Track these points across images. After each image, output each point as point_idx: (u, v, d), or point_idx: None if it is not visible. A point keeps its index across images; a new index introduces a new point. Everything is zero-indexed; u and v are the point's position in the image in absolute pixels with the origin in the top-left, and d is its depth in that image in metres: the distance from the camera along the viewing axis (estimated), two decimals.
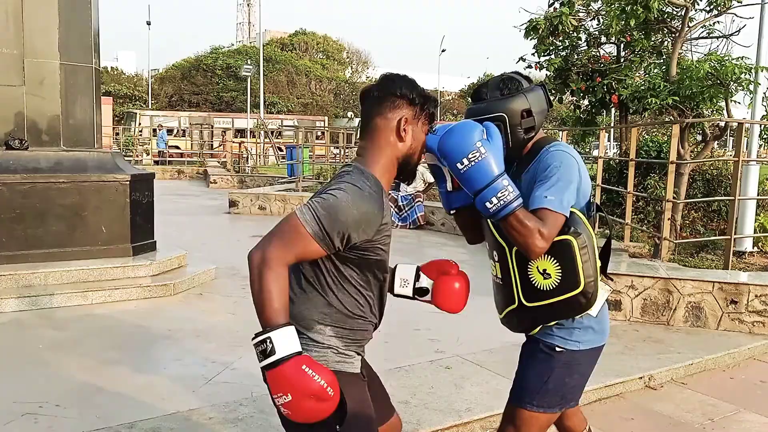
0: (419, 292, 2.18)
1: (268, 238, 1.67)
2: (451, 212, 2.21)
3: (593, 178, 8.09)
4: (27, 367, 4.02)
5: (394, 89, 1.82)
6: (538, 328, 2.10)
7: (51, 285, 5.43)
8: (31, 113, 5.89)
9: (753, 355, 4.85)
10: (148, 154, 24.34)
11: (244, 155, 20.72)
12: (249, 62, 36.21)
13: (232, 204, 12.20)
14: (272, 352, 1.57)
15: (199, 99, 45.55)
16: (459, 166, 1.86)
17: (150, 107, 39.53)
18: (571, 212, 1.95)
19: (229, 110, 42.08)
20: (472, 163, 1.84)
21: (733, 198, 5.62)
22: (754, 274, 5.49)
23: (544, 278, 1.97)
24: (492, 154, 1.85)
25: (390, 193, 10.74)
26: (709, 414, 3.81)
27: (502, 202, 1.84)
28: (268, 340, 1.58)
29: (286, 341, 1.59)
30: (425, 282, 2.19)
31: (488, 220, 2.07)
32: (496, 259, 2.11)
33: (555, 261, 1.95)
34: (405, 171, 1.88)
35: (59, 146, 5.99)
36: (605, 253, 2.13)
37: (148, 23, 46.05)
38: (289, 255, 1.66)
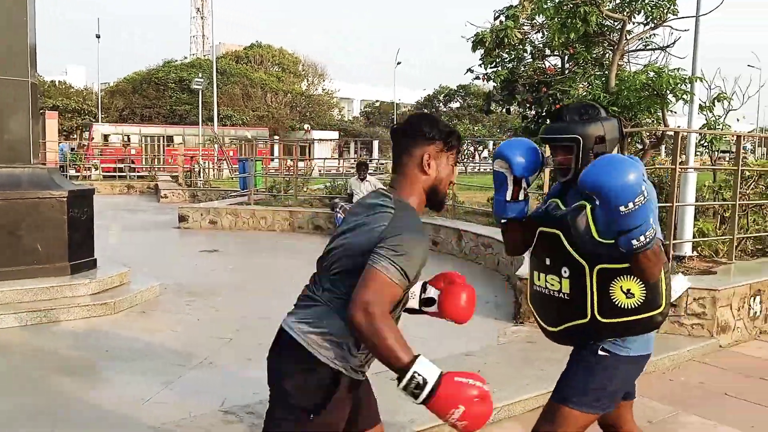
0: (426, 303, 2.21)
1: (363, 297, 1.73)
2: (503, 221, 2.35)
3: (540, 187, 8.22)
4: None
5: (418, 128, 1.98)
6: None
7: None
8: None
9: (692, 357, 4.96)
10: (96, 169, 23.72)
11: (195, 169, 20.38)
12: (201, 75, 35.79)
13: (182, 219, 11.98)
14: (425, 382, 1.67)
15: (151, 112, 44.73)
16: (622, 209, 1.90)
17: (100, 122, 38.63)
18: None
19: (183, 123, 41.49)
20: (637, 207, 1.90)
21: (671, 204, 5.78)
22: (692, 278, 5.64)
23: (627, 297, 2.10)
24: (650, 195, 1.94)
25: (343, 206, 10.74)
26: (649, 416, 3.87)
27: (647, 240, 1.94)
28: (416, 374, 1.67)
29: (428, 369, 1.69)
30: (432, 292, 2.21)
31: (561, 238, 2.15)
32: (566, 275, 2.18)
33: (640, 282, 2.09)
34: (433, 200, 2.03)
35: None
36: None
37: (98, 36, 45.03)
38: (387, 305, 1.77)
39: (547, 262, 2.25)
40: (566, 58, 8.60)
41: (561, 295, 2.21)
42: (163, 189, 18.28)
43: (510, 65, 8.57)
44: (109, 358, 4.55)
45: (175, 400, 3.77)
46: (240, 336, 5.05)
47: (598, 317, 2.13)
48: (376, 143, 39.40)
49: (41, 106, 27.02)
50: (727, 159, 15.48)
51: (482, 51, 8.43)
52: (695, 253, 6.65)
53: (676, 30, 6.99)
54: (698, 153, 10.25)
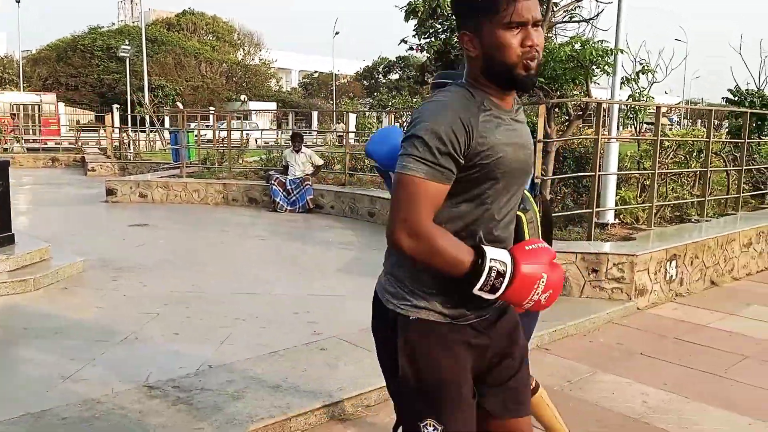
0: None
1: (393, 215, 1.61)
2: None
3: None
4: None
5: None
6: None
7: None
8: None
9: (612, 319, 5.19)
10: (18, 142, 22.56)
11: (125, 141, 19.67)
12: (128, 42, 34.30)
13: (110, 192, 11.56)
14: (504, 267, 1.54)
15: (77, 81, 42.75)
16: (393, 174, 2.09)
17: (22, 91, 36.61)
18: None
19: (111, 93, 39.77)
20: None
21: (593, 174, 5.97)
22: (613, 244, 5.88)
23: None
24: None
25: (278, 177, 10.61)
26: (568, 376, 4.05)
27: None
28: (493, 265, 1.54)
29: (497, 252, 1.57)
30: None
31: None
32: None
33: None
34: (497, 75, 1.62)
35: None
36: (548, 230, 2.41)
37: (17, 0, 42.47)
38: (425, 210, 1.60)
39: None
40: None
41: None
42: (90, 162, 17.58)
43: (443, 36, 8.58)
44: (27, 336, 4.39)
45: (98, 376, 3.68)
46: (168, 311, 4.95)
47: None
48: (315, 114, 38.90)
49: None
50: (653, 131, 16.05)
51: (416, 21, 8.40)
52: (617, 220, 6.92)
53: (601, 2, 7.16)
54: (626, 125, 10.57)
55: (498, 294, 1.54)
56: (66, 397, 3.37)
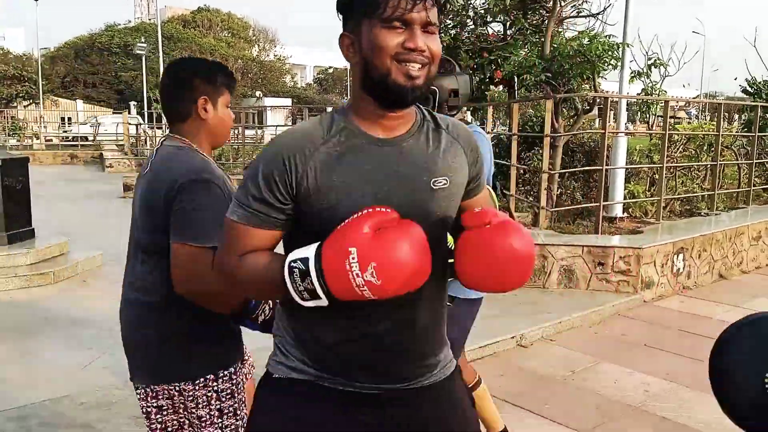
0: None
1: None
2: None
3: None
4: None
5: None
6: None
7: None
8: None
9: (617, 311, 5.26)
10: (38, 138, 22.96)
11: (142, 138, 19.96)
12: (145, 40, 34.65)
13: (127, 188, 11.76)
14: (306, 260, 1.18)
15: (95, 79, 43.26)
16: None
17: (41, 89, 37.15)
18: None
19: (129, 90, 40.23)
20: None
21: (600, 168, 6.02)
22: (619, 238, 5.93)
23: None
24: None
25: None
26: (571, 366, 4.13)
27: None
28: (293, 264, 1.19)
29: (301, 250, 1.20)
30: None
31: None
32: None
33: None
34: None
35: None
36: None
37: None
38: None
39: None
40: (508, 24, 8.72)
41: None
42: (108, 158, 17.86)
43: (453, 31, 8.64)
44: (48, 326, 4.56)
45: (115, 365, 3.82)
46: None
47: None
48: (329, 110, 39.04)
49: None
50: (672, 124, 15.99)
51: None
52: (626, 214, 6.97)
53: None
54: (642, 119, 10.56)
55: (323, 298, 1.18)
56: (84, 383, 3.52)
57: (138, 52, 29.74)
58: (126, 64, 42.67)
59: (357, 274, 1.13)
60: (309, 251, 1.18)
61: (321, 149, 1.27)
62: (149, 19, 57.33)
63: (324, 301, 1.19)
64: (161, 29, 32.56)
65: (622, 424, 3.33)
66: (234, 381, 1.85)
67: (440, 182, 1.33)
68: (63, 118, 34.99)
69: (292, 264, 1.19)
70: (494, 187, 2.38)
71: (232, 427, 1.83)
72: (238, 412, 1.85)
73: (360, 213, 1.19)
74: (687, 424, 3.34)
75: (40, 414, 3.14)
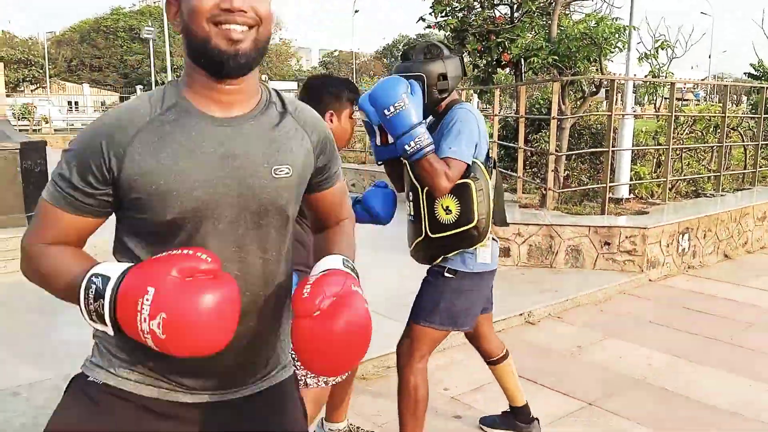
0: None
1: None
2: (379, 163, 2.59)
3: (490, 135, 8.49)
4: None
5: None
6: (440, 259, 2.47)
7: None
8: None
9: (623, 290, 5.38)
10: (47, 122, 23.11)
11: None
12: (152, 23, 34.64)
13: None
14: (104, 285, 1.06)
15: (101, 63, 43.35)
16: (386, 112, 2.21)
17: (48, 72, 37.26)
18: (473, 161, 2.36)
19: (135, 74, 40.30)
20: (397, 111, 2.20)
21: (606, 149, 6.11)
22: (625, 218, 6.03)
23: (446, 214, 2.37)
24: (413, 105, 2.22)
25: None
26: (578, 342, 4.26)
27: (418, 146, 2.22)
28: (94, 278, 1.07)
29: (113, 266, 1.10)
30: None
31: (407, 166, 2.43)
32: (411, 199, 2.47)
33: (456, 200, 2.36)
34: None
35: None
36: (499, 201, 2.55)
37: None
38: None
39: (405, 189, 2.54)
40: (515, 7, 8.75)
41: (410, 217, 2.50)
42: None
43: (460, 14, 8.67)
44: (63, 307, 4.67)
45: None
46: None
47: (429, 233, 2.42)
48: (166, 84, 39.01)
49: None
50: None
51: None
52: (632, 195, 7.06)
53: None
54: (649, 101, 10.59)
55: (109, 327, 1.05)
56: None
57: (145, 36, 29.75)
58: (132, 48, 42.73)
59: (144, 318, 1.00)
60: (114, 270, 1.06)
61: (147, 128, 1.15)
62: (154, 2, 57.15)
63: (110, 330, 1.05)
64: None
65: (626, 396, 3.46)
66: None
67: (282, 171, 1.22)
68: (70, 102, 35.16)
69: (93, 278, 1.06)
70: (493, 166, 2.47)
71: None
72: None
73: (177, 252, 1.07)
74: (688, 395, 3.46)
75: None
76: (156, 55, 33.87)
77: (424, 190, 2.38)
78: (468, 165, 2.33)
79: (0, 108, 22.16)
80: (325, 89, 2.28)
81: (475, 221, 2.38)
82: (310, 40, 61.58)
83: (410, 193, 2.47)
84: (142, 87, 28.81)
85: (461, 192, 2.35)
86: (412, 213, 2.48)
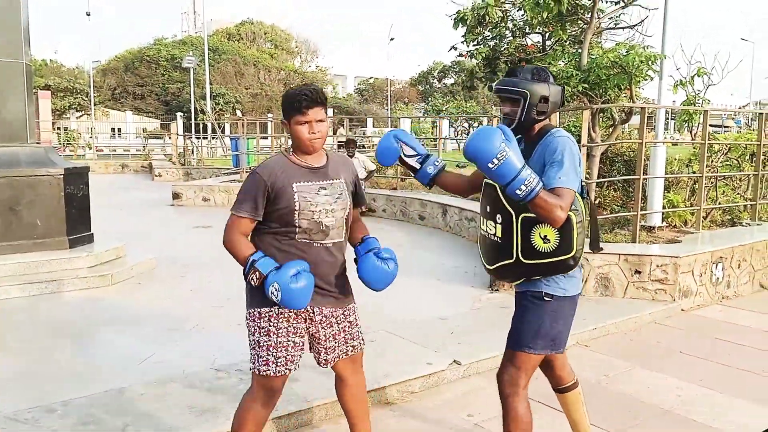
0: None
1: None
2: (427, 185, 2.79)
3: None
4: None
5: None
6: (522, 280, 2.55)
7: None
8: None
9: (654, 319, 5.31)
10: (90, 149, 23.88)
11: (189, 148, 20.58)
12: (192, 53, 35.68)
13: (176, 196, 12.24)
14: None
15: (144, 91, 44.68)
16: (490, 165, 2.24)
17: (92, 100, 38.57)
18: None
19: (176, 102, 41.40)
20: (501, 162, 2.23)
21: (637, 177, 6.08)
22: (656, 246, 5.97)
23: (544, 242, 2.42)
24: (513, 151, 2.25)
25: None
26: (606, 371, 4.22)
27: (528, 188, 2.24)
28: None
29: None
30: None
31: (497, 189, 2.47)
32: (499, 221, 2.51)
33: (555, 230, 2.40)
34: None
35: None
36: (594, 229, 2.70)
37: (88, 14, 44.76)
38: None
39: (488, 209, 2.58)
40: (547, 35, 8.83)
41: (495, 238, 2.54)
42: (157, 168, 18.49)
43: (492, 43, 8.79)
44: (106, 325, 4.87)
45: (170, 359, 4.10)
46: (230, 304, 5.36)
47: (521, 258, 2.46)
48: (370, 120, 39.47)
49: (33, 86, 26.98)
50: (711, 133, 15.76)
51: (464, 29, 8.66)
52: (665, 223, 6.99)
53: (645, 8, 7.22)
54: (686, 129, 10.47)
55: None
56: (143, 376, 3.79)
57: (186, 65, 30.64)
58: (173, 77, 43.95)
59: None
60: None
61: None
62: (195, 33, 58.91)
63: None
64: (207, 42, 33.48)
65: (653, 427, 3.43)
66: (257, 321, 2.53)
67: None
68: (113, 129, 36.28)
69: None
70: (586, 194, 2.60)
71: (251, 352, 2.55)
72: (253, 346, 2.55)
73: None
74: (717, 428, 3.41)
75: (104, 403, 3.41)
76: (196, 83, 34.82)
77: (521, 217, 2.42)
78: (575, 193, 2.38)
79: (46, 134, 23.05)
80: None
81: (573, 252, 2.43)
82: (345, 68, 62.52)
83: (498, 216, 2.51)
84: (182, 114, 29.54)
85: (562, 224, 2.38)
86: (500, 235, 2.51)
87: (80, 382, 3.73)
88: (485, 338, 4.51)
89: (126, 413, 3.27)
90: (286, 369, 2.52)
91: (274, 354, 2.49)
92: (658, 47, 6.85)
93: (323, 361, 2.68)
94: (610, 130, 7.28)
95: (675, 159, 8.05)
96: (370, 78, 60.83)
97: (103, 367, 4.01)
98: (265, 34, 54.06)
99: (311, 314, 2.57)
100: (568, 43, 8.37)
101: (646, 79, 6.38)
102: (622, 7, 7.06)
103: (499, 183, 2.30)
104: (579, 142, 6.53)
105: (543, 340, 2.53)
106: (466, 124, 36.27)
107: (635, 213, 6.09)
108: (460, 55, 9.35)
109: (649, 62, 6.02)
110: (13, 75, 6.18)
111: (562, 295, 2.52)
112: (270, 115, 35.72)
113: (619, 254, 5.60)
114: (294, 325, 2.53)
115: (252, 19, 55.45)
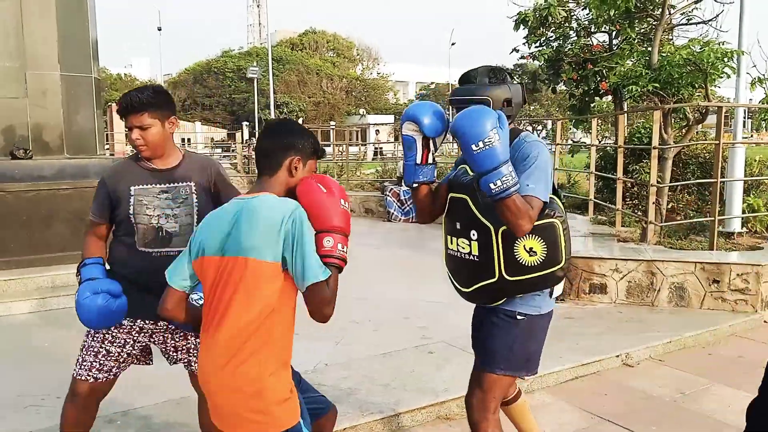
0: None
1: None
2: (413, 185, 2.34)
3: (587, 165, 8.21)
4: (33, 364, 4.27)
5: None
6: (503, 300, 2.29)
7: (58, 287, 5.69)
8: (34, 123, 6.16)
9: (734, 332, 4.96)
10: None
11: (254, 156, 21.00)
12: (257, 63, 36.52)
13: None
14: None
15: (211, 102, 46.09)
16: (473, 147, 2.02)
17: None
18: (551, 198, 2.20)
19: (241, 111, 42.48)
20: (486, 147, 2.01)
21: (715, 180, 5.72)
22: (735, 254, 5.59)
23: (530, 255, 2.18)
24: (502, 141, 2.04)
25: (393, 188, 10.96)
26: (682, 388, 3.95)
27: (504, 185, 2.02)
28: None
29: None
30: None
31: (469, 203, 2.25)
32: (474, 238, 2.24)
33: (541, 240, 2.18)
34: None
35: (62, 154, 6.25)
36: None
37: (159, 29, 46.61)
38: None
39: (458, 226, 2.31)
40: (614, 34, 8.49)
41: (471, 257, 2.27)
42: None
43: (555, 44, 8.52)
44: None
45: None
46: None
47: (506, 276, 2.20)
48: None
49: (107, 99, 28.27)
50: None
51: (526, 30, 8.43)
52: (745, 229, 6.55)
53: (720, 3, 6.81)
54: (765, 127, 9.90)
55: None
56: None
57: (250, 75, 31.39)
58: (239, 87, 45.15)
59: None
60: None
61: None
62: (261, 44, 60.39)
63: None
64: (271, 52, 34.21)
65: None
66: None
67: None
68: (182, 139, 37.52)
69: None
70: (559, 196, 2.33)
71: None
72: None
73: None
74: None
75: (162, 412, 3.42)
76: (260, 93, 35.64)
77: (500, 231, 2.17)
78: (545, 203, 2.16)
79: (120, 146, 24.00)
80: None
81: (562, 262, 2.22)
82: (406, 73, 62.48)
83: (473, 232, 2.24)
84: (248, 123, 30.27)
85: (547, 232, 2.18)
86: (476, 253, 2.25)
87: (138, 392, 3.75)
88: (550, 352, 4.28)
89: (187, 424, 3.26)
90: (89, 375, 2.44)
91: (83, 356, 2.46)
92: (734, 43, 6.45)
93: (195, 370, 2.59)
94: (683, 131, 6.89)
95: (755, 160, 7.56)
96: (431, 83, 60.68)
97: (162, 377, 3.99)
98: (327, 42, 54.81)
99: (144, 326, 2.50)
100: (636, 41, 8.01)
101: (722, 77, 5.99)
102: (695, 2, 6.69)
103: (476, 170, 2.06)
104: (649, 143, 6.24)
105: (517, 361, 2.32)
106: (530, 128, 35.63)
107: (712, 218, 5.72)
108: (522, 57, 9.09)
109: (726, 59, 5.66)
110: (82, 89, 6.39)
111: (536, 314, 2.30)
112: (332, 122, 36.15)
113: (696, 262, 5.27)
114: (114, 333, 2.45)
115: (314, 29, 56.36)
